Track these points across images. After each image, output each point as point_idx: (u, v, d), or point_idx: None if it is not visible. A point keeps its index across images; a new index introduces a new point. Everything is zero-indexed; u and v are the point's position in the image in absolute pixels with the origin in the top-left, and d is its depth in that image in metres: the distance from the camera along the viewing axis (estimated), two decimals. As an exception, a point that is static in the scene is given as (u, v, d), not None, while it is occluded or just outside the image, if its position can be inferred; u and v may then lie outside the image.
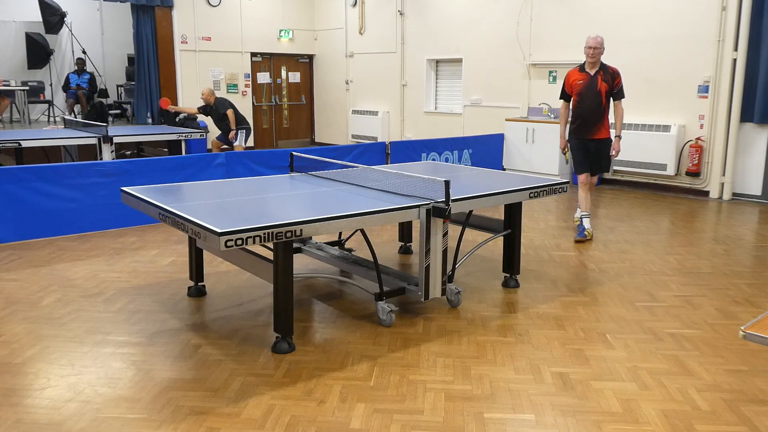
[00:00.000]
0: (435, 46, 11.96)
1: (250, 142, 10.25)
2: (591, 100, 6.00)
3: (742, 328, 2.44)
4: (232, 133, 9.87)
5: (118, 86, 14.65)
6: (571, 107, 6.22)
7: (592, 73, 6.02)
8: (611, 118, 6.16)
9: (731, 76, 8.15)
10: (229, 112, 9.74)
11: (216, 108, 9.88)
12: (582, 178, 6.24)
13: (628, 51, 9.02)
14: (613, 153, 6.10)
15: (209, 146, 11.56)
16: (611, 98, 6.05)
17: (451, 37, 11.62)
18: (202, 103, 9.98)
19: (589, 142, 6.12)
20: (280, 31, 13.93)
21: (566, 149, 6.25)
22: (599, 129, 6.08)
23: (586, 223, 6.22)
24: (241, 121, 9.96)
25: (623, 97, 6.07)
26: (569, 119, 6.26)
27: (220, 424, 2.88)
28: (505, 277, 4.87)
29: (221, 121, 9.92)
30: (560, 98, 6.30)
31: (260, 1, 13.55)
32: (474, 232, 5.50)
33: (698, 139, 8.49)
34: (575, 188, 5.97)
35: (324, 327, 4.04)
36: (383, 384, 3.27)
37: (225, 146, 10.11)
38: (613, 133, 6.15)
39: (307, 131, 15.12)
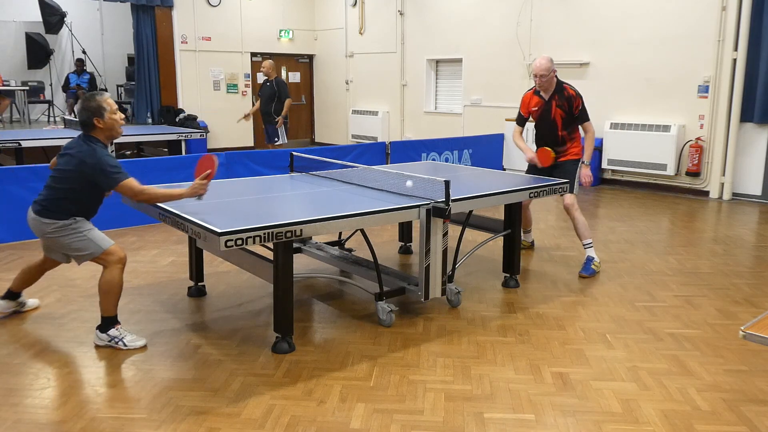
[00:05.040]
0: (435, 46, 11.96)
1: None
2: (547, 129, 5.31)
3: (742, 328, 2.44)
4: (281, 119, 9.52)
5: (118, 86, 14.66)
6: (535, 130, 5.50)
7: (546, 97, 5.24)
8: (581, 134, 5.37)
9: (731, 76, 8.15)
10: (289, 102, 9.41)
11: (276, 87, 9.43)
12: None
13: (629, 51, 9.03)
14: (582, 182, 5.26)
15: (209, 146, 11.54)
16: (573, 122, 5.23)
17: (451, 37, 11.61)
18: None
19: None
20: (280, 31, 13.94)
21: (544, 152, 5.30)
22: (562, 154, 5.32)
23: (524, 236, 5.81)
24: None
25: (587, 119, 5.22)
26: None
27: (220, 424, 2.88)
28: (505, 277, 4.86)
29: (269, 104, 9.53)
30: (516, 122, 5.53)
31: (260, 1, 13.55)
32: (474, 232, 5.49)
33: (698, 139, 8.49)
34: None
35: (324, 327, 4.04)
36: (383, 384, 3.27)
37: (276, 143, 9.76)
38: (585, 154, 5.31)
39: (307, 131, 15.12)
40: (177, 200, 3.70)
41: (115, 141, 9.32)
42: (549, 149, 5.29)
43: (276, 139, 9.75)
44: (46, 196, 3.72)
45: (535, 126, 5.46)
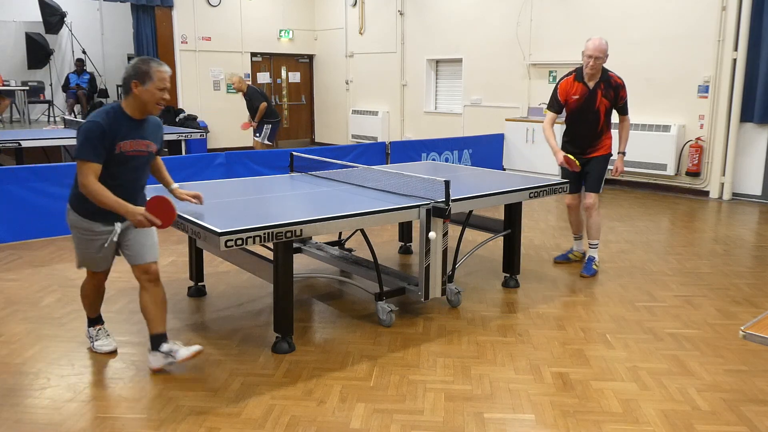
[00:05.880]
0: (435, 46, 11.96)
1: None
2: (586, 121, 4.95)
3: (742, 328, 2.44)
4: (254, 123, 9.57)
5: (118, 86, 14.64)
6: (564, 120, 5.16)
7: (591, 85, 4.86)
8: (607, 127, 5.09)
9: (731, 76, 8.15)
10: (262, 106, 9.46)
11: (249, 98, 9.56)
12: (568, 200, 5.29)
13: (629, 51, 9.02)
14: (614, 172, 5.07)
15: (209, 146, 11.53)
16: (613, 112, 4.99)
17: (451, 37, 11.61)
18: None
19: (580, 159, 5.05)
20: (280, 31, 13.94)
21: (570, 160, 4.93)
22: (595, 148, 5.05)
23: (577, 245, 5.50)
24: (270, 114, 9.66)
25: (627, 112, 5.04)
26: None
27: (220, 424, 2.88)
28: (505, 277, 4.86)
29: (253, 111, 9.66)
30: (549, 108, 5.08)
31: (260, 1, 13.55)
32: (474, 232, 5.49)
33: (698, 139, 8.49)
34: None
35: (324, 327, 4.04)
36: (383, 384, 3.27)
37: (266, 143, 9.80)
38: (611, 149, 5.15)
39: (307, 131, 15.11)
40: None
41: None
42: (573, 158, 4.92)
43: (257, 135, 9.74)
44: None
45: (571, 116, 5.01)
